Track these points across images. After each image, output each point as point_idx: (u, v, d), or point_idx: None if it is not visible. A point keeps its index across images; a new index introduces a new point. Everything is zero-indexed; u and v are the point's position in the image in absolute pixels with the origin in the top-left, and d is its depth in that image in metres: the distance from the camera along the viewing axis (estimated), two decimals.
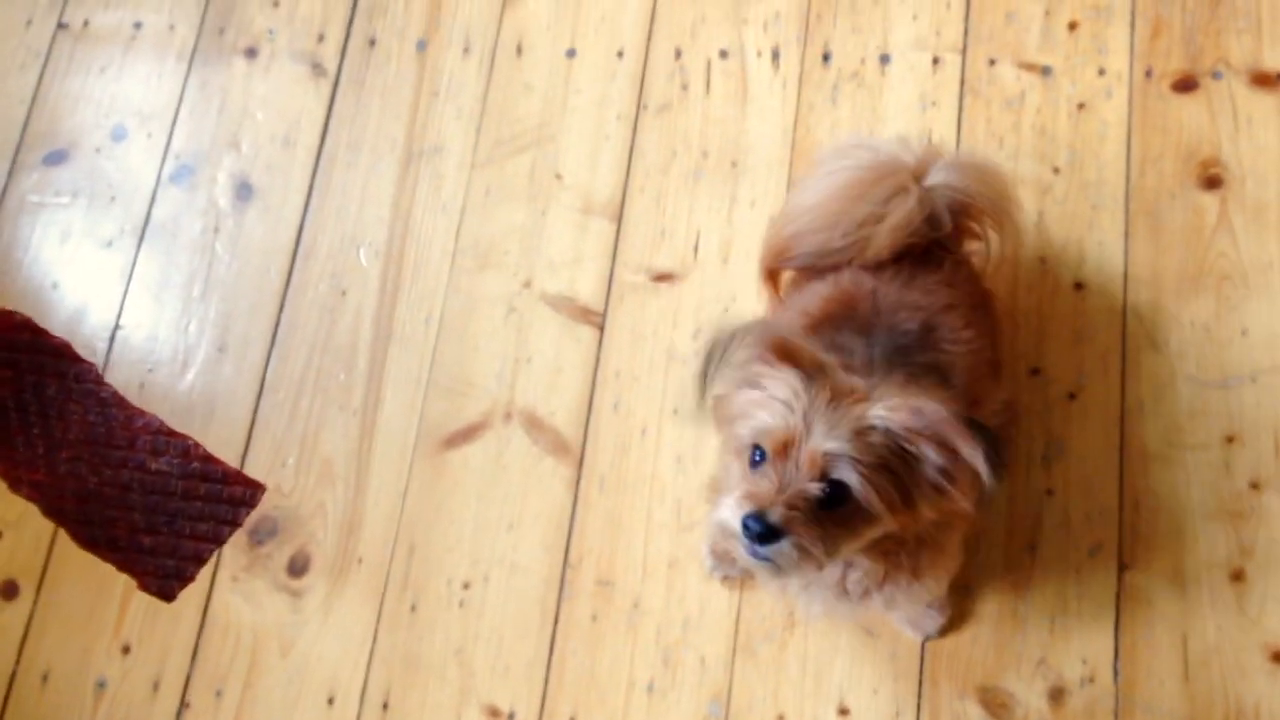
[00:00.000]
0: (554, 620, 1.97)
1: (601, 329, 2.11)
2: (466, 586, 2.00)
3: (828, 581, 1.58)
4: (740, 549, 1.42)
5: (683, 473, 2.02)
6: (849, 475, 1.38)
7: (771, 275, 1.82)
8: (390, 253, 2.19)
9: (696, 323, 2.09)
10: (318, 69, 2.32)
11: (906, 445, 1.39)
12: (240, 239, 2.23)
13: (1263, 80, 2.12)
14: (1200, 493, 1.93)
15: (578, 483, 2.03)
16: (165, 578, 2.03)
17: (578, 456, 2.04)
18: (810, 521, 1.39)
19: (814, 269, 1.73)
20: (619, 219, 2.16)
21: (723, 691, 1.91)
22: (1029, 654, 1.88)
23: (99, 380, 2.15)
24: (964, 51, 2.19)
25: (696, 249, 2.13)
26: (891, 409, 1.39)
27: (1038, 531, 1.93)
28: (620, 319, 2.11)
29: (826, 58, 2.21)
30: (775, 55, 2.23)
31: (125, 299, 2.22)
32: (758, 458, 1.42)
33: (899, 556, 1.54)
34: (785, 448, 1.40)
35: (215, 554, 2.05)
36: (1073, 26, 2.19)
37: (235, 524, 2.05)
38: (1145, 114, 2.12)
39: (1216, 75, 2.13)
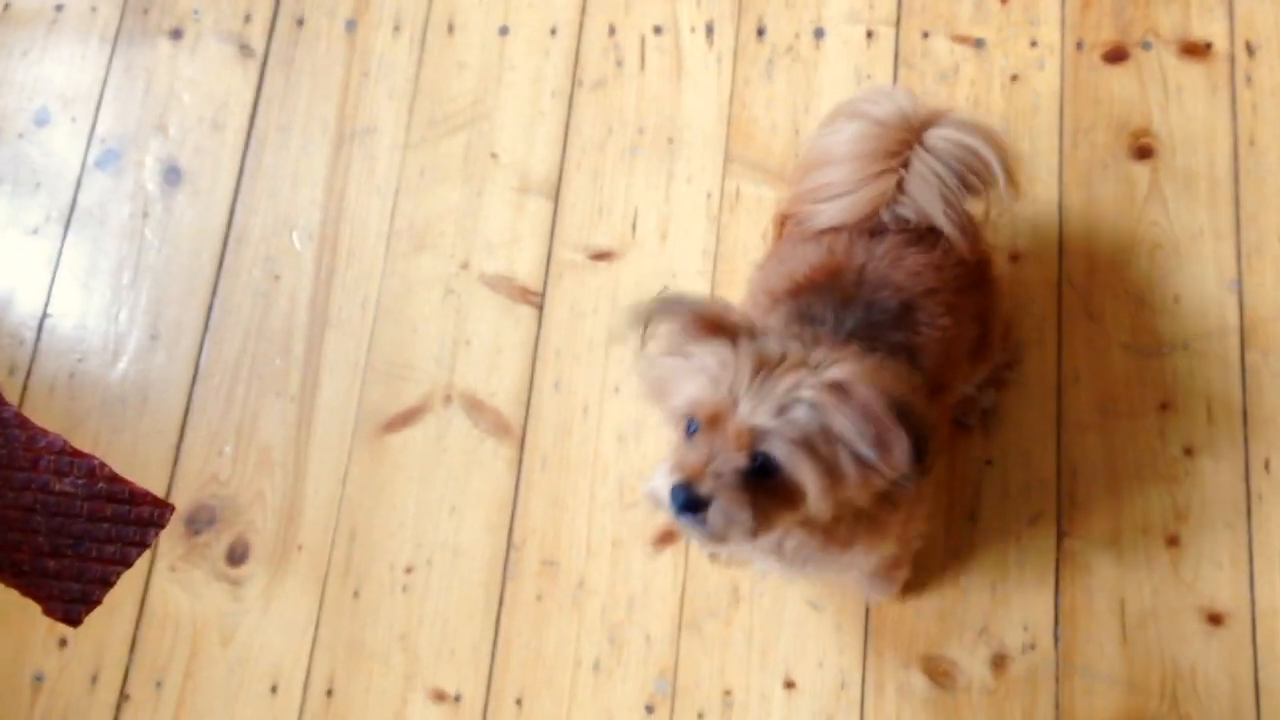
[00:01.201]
0: (499, 602, 1.97)
1: (541, 308, 2.10)
2: (409, 571, 1.99)
3: (764, 547, 1.57)
4: (671, 517, 1.43)
5: (625, 452, 2.02)
6: (776, 449, 1.38)
7: (782, 221, 1.81)
8: (324, 236, 2.17)
9: (636, 300, 2.07)
10: (245, 50, 2.29)
11: (832, 425, 1.38)
12: (170, 224, 2.20)
13: (1191, 50, 2.15)
14: (1136, 460, 1.95)
15: (520, 463, 2.03)
16: (71, 602, 1.99)
17: (519, 437, 2.04)
18: (738, 491, 1.40)
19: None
20: (556, 197, 2.15)
21: (669, 668, 1.92)
22: (971, 622, 1.90)
23: (0, 401, 2.10)
24: (898, 25, 2.19)
25: (634, 226, 2.13)
26: (819, 386, 1.38)
27: (978, 501, 1.95)
28: (559, 298, 2.10)
29: (761, 32, 2.21)
30: (709, 30, 2.22)
31: (53, 287, 2.18)
32: (692, 428, 1.43)
33: (834, 529, 1.53)
34: (715, 419, 1.40)
35: (152, 545, 2.02)
36: None
37: (144, 544, 2.01)
38: (1077, 85, 2.14)
39: (1146, 46, 2.15)
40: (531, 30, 2.25)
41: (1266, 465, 1.94)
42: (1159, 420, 1.97)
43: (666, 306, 1.45)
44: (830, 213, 1.69)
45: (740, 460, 1.39)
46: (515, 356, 2.08)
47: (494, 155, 2.19)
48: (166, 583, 2.00)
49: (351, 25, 2.28)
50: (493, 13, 2.27)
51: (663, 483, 1.42)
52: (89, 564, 2.00)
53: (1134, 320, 2.02)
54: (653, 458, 2.00)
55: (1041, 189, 2.08)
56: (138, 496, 2.03)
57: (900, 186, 1.66)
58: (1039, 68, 2.15)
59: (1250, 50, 2.14)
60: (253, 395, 2.09)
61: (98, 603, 1.99)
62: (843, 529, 1.54)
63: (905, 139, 1.66)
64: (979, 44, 2.17)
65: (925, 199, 1.66)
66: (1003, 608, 1.90)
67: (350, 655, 1.96)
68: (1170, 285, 2.03)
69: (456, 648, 1.95)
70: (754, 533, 1.42)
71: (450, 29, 2.27)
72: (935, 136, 1.67)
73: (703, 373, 1.41)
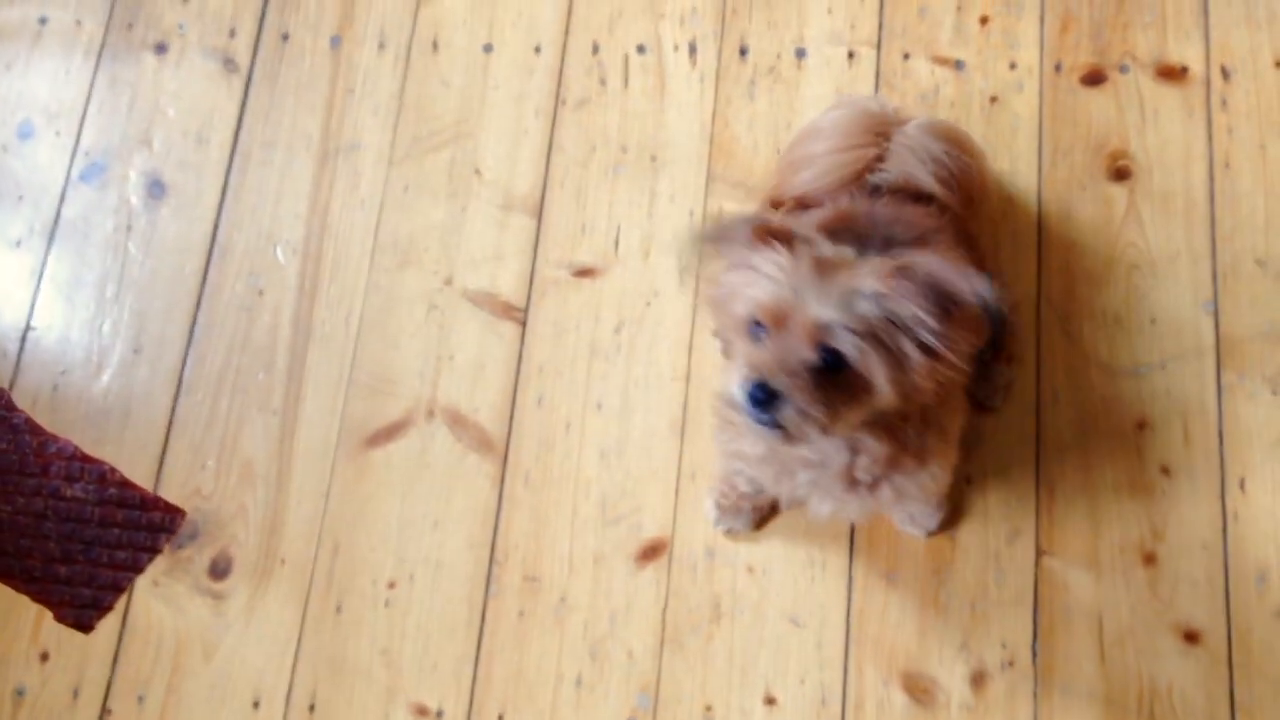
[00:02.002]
0: (481, 617, 1.97)
1: (524, 325, 2.10)
2: (392, 586, 1.99)
3: (836, 470, 1.62)
4: (746, 418, 1.47)
5: (607, 468, 2.02)
6: (843, 342, 1.42)
7: (773, 208, 1.87)
8: (308, 251, 2.17)
9: (618, 317, 2.09)
10: (230, 64, 2.29)
11: (898, 311, 1.42)
12: (154, 238, 2.19)
13: (1168, 73, 2.17)
14: (1114, 479, 1.97)
15: (502, 479, 2.03)
16: (82, 608, 1.99)
17: (502, 453, 2.04)
18: (810, 387, 1.43)
19: (809, 201, 1.79)
20: (539, 214, 2.16)
21: (651, 684, 1.92)
22: (950, 639, 1.91)
23: (10, 406, 2.09)
24: (878, 45, 2.21)
25: (617, 243, 2.14)
26: (879, 273, 1.42)
27: (957, 519, 1.96)
28: (542, 314, 2.11)
29: (743, 52, 2.23)
30: (692, 49, 2.24)
31: (36, 300, 2.17)
32: (757, 331, 1.47)
33: (904, 434, 1.58)
34: (781, 319, 1.44)
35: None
36: (984, 21, 2.22)
37: (155, 550, 2.01)
38: (1055, 107, 2.16)
39: (1123, 69, 2.17)
40: (515, 48, 2.26)
41: (1242, 485, 1.95)
42: (1136, 440, 1.99)
43: (726, 225, 1.50)
44: (815, 172, 1.77)
45: (809, 356, 1.43)
46: (498, 372, 2.08)
47: (478, 172, 2.19)
48: (149, 597, 2.00)
49: (336, 41, 2.29)
50: (477, 31, 2.27)
51: (736, 384, 1.46)
52: (100, 569, 2.00)
53: (1111, 340, 2.03)
54: (636, 474, 2.01)
55: (1020, 209, 2.10)
56: (149, 502, 2.03)
57: (881, 158, 1.76)
58: (1018, 89, 2.17)
59: (1225, 74, 2.16)
60: (236, 409, 2.09)
61: (110, 608, 1.99)
62: (911, 434, 1.59)
63: (887, 126, 1.79)
64: (959, 65, 2.19)
65: (908, 164, 1.75)
66: (982, 625, 1.91)
67: (332, 670, 1.96)
68: (1147, 306, 2.05)
69: (439, 663, 1.95)
70: (826, 427, 1.46)
71: (435, 46, 2.27)
72: (913, 125, 1.79)
73: (765, 278, 1.45)
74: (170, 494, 2.05)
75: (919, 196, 1.77)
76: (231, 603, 1.99)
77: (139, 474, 2.06)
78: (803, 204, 1.82)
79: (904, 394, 1.48)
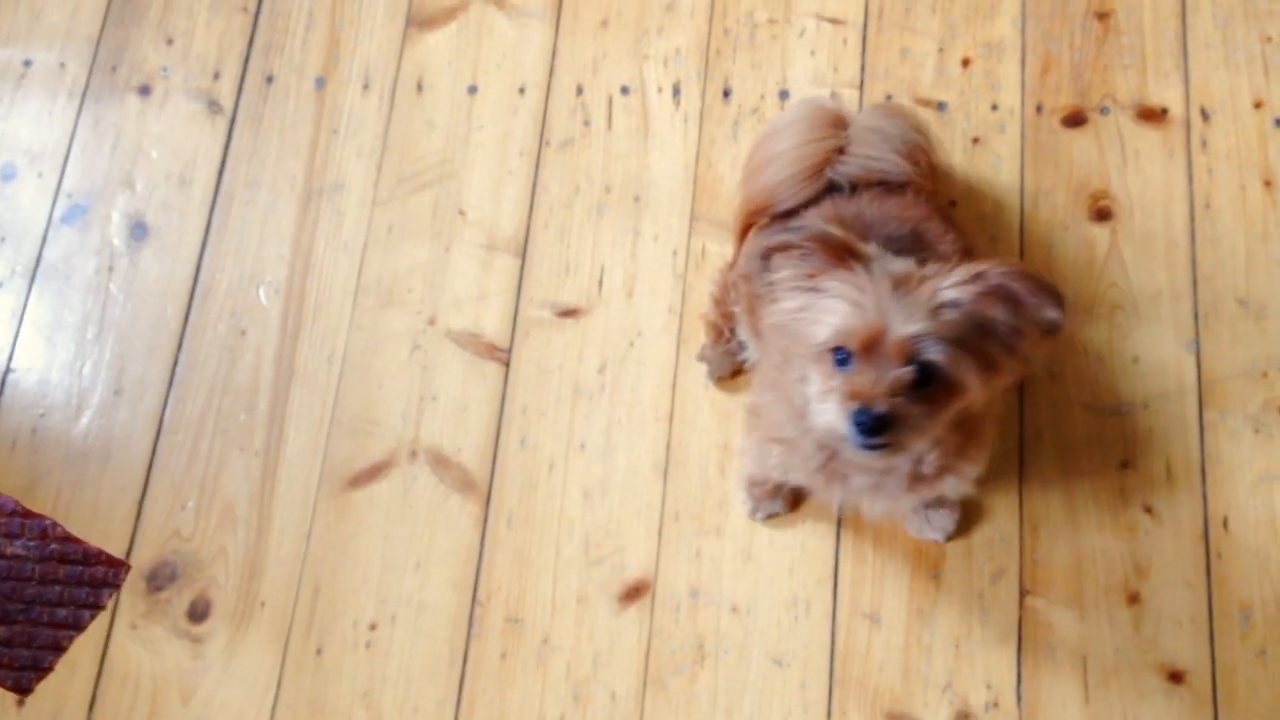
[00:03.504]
0: (463, 659, 1.95)
1: (507, 365, 2.10)
2: (373, 628, 1.97)
3: (903, 472, 1.64)
4: (852, 446, 1.49)
5: (590, 508, 2.01)
6: (937, 354, 1.45)
7: (745, 228, 1.89)
8: (291, 291, 2.16)
9: (602, 357, 2.09)
10: (214, 106, 2.29)
11: (979, 314, 1.46)
12: (136, 279, 2.19)
13: (1148, 115, 2.19)
14: (1097, 518, 1.97)
15: (485, 520, 2.02)
16: (21, 670, 1.95)
17: (485, 493, 2.03)
18: (913, 404, 1.47)
19: (785, 213, 1.81)
20: (523, 255, 2.16)
21: None
22: (935, 680, 1.90)
23: None
24: (861, 87, 2.22)
25: (601, 284, 2.14)
26: (958, 281, 1.45)
27: (941, 558, 1.96)
28: (526, 355, 2.10)
29: (727, 93, 2.24)
30: (676, 91, 2.25)
31: (16, 341, 2.16)
32: (840, 357, 1.48)
33: (971, 424, 1.62)
34: (870, 342, 1.46)
35: (112, 602, 2.00)
36: (966, 63, 2.23)
37: (97, 606, 1.98)
38: (1037, 148, 2.17)
39: (1104, 110, 2.19)
40: (500, 90, 2.27)
41: (1225, 523, 1.95)
42: (1119, 479, 1.99)
43: (799, 233, 1.51)
44: (778, 168, 1.79)
45: (906, 373, 1.45)
46: (481, 413, 2.08)
47: (462, 212, 2.19)
48: (127, 640, 1.98)
49: (321, 83, 2.29)
50: (461, 72, 2.28)
51: (838, 415, 1.47)
52: (40, 629, 1.97)
53: (1094, 380, 2.04)
54: (619, 514, 2.01)
55: (1004, 250, 2.10)
56: (91, 556, 2.01)
57: (842, 149, 1.79)
58: (1000, 130, 2.19)
59: (1205, 115, 2.18)
60: (217, 450, 2.08)
61: (49, 669, 1.96)
62: (975, 423, 1.63)
63: (842, 119, 1.83)
64: (941, 107, 2.20)
65: (871, 145, 1.79)
66: (966, 665, 1.90)
67: (312, 713, 1.94)
68: (1130, 345, 2.05)
69: (420, 705, 1.93)
70: (929, 437, 1.51)
71: (419, 88, 2.28)
72: (866, 111, 1.86)
73: (844, 300, 1.47)
74: (149, 536, 2.03)
75: (889, 186, 1.80)
76: (210, 645, 1.97)
77: (118, 516, 2.05)
78: (776, 216, 1.83)
79: (989, 390, 1.52)
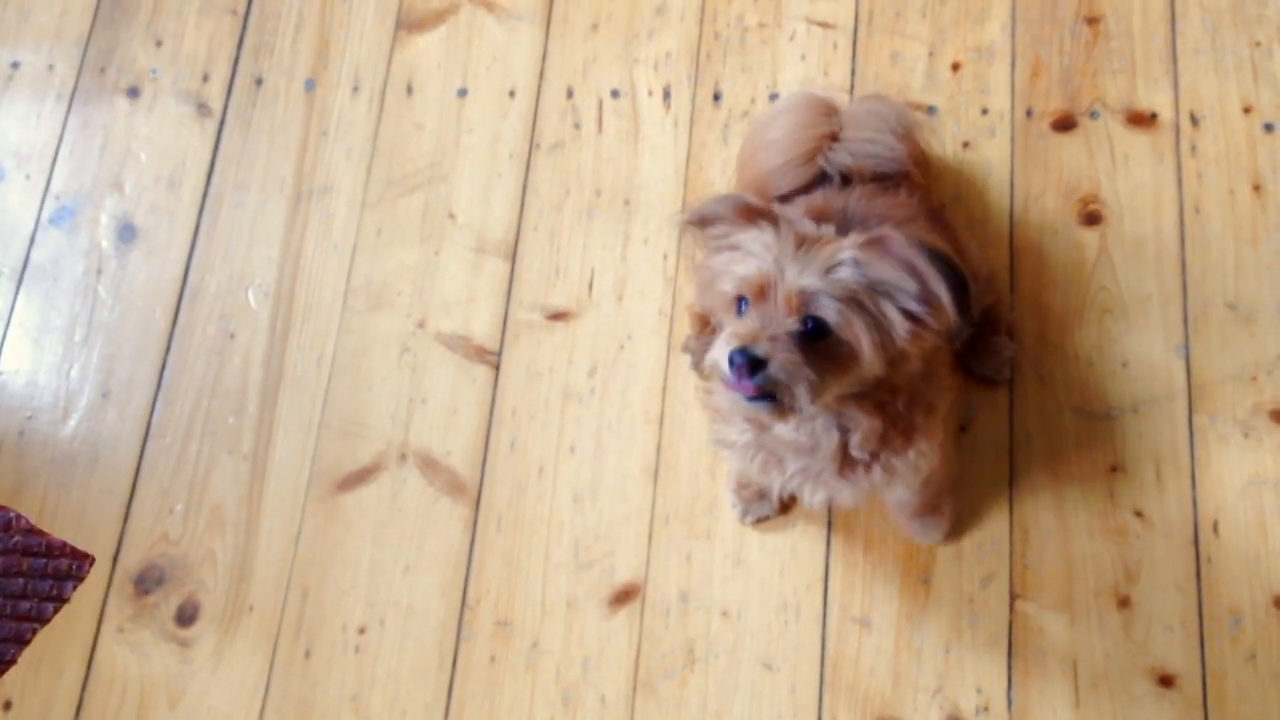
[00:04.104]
0: (452, 663, 1.95)
1: (497, 368, 2.10)
2: (362, 631, 1.97)
3: (828, 452, 1.63)
4: (735, 395, 1.49)
5: (580, 511, 2.01)
6: (825, 309, 1.46)
7: None
8: (280, 293, 2.16)
9: (592, 360, 2.09)
10: (203, 108, 2.28)
11: (877, 276, 1.46)
12: (124, 281, 2.18)
13: (1137, 119, 2.19)
14: (1087, 522, 1.97)
15: (475, 523, 2.01)
16: None
17: (474, 496, 2.03)
18: (794, 352, 1.46)
19: (779, 200, 1.82)
20: (513, 258, 2.16)
21: None
22: (925, 684, 1.90)
23: None
24: (851, 91, 2.22)
25: (591, 287, 2.14)
26: (858, 245, 1.47)
27: (932, 563, 1.96)
28: (515, 358, 2.10)
29: (717, 97, 2.24)
30: (666, 94, 2.25)
31: (3, 344, 2.15)
32: (743, 307, 1.51)
33: (893, 409, 1.60)
34: (763, 291, 1.48)
35: (100, 608, 1.99)
36: (956, 67, 2.24)
37: (61, 599, 1.97)
38: (1027, 152, 2.17)
39: (1094, 115, 2.19)
40: (490, 92, 2.27)
41: (1215, 527, 1.95)
42: (1109, 482, 1.99)
43: (710, 205, 1.56)
44: (773, 154, 1.82)
45: (792, 323, 1.46)
46: (471, 416, 2.07)
47: (451, 215, 2.19)
48: (114, 643, 1.97)
49: (310, 85, 2.29)
50: (451, 74, 2.28)
51: (720, 352, 1.48)
52: (2, 621, 1.96)
53: (1084, 384, 2.04)
54: (609, 518, 2.00)
55: (994, 254, 2.10)
56: (55, 549, 2.00)
57: (835, 136, 1.82)
58: (990, 135, 2.19)
59: (1194, 120, 2.18)
60: (205, 453, 2.07)
61: (12, 663, 1.95)
62: (899, 410, 1.61)
63: (834, 107, 1.86)
64: (931, 111, 2.20)
65: (864, 128, 1.82)
66: (956, 670, 1.90)
67: (301, 717, 1.93)
68: (1119, 349, 2.06)
69: (409, 709, 1.93)
70: (814, 392, 1.48)
71: (409, 90, 2.28)
72: (858, 99, 1.89)
73: (750, 255, 1.50)
74: (137, 539, 2.03)
75: (883, 184, 1.81)
76: (198, 649, 1.97)
77: (105, 519, 2.04)
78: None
79: (889, 360, 1.51)
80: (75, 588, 1.98)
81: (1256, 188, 2.13)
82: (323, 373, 2.11)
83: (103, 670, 1.96)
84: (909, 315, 1.47)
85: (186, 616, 1.98)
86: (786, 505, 1.98)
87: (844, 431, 1.61)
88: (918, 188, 1.85)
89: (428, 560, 2.00)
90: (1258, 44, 2.22)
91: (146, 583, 2.00)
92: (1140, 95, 2.20)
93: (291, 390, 2.10)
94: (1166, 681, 1.89)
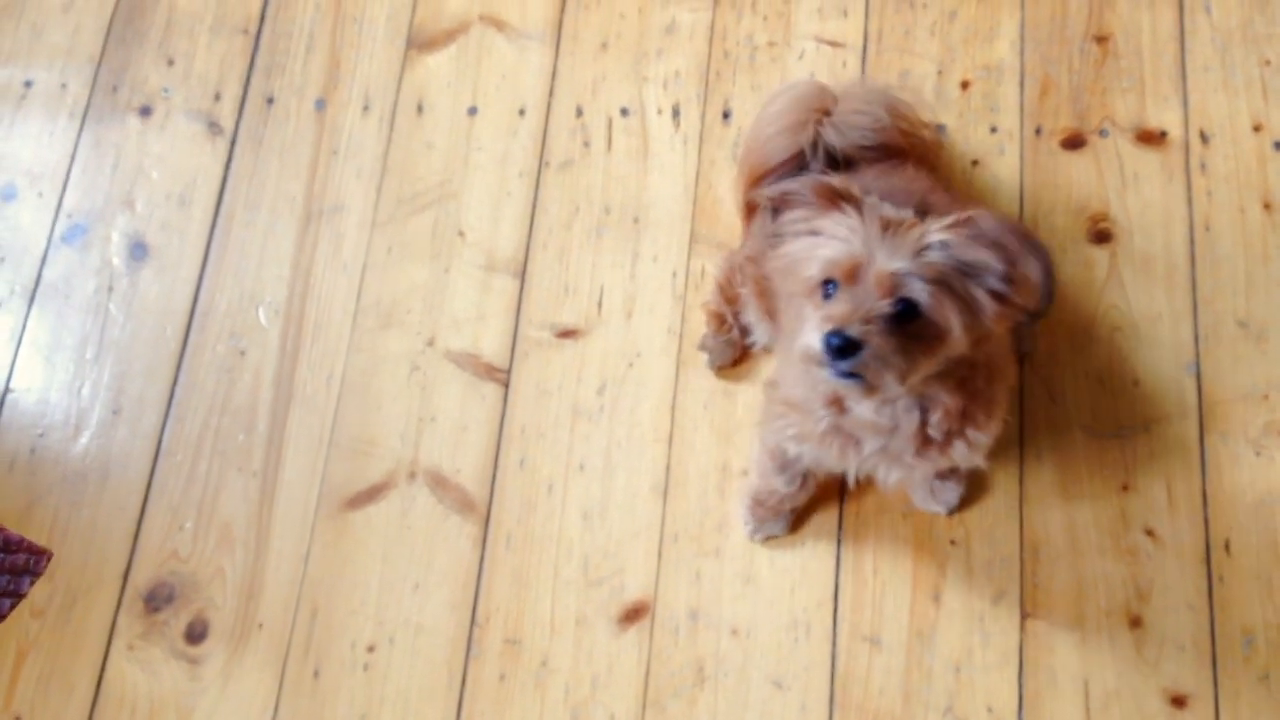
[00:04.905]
0: (461, 681, 1.94)
1: (506, 386, 2.10)
2: (371, 649, 1.96)
3: (909, 433, 1.65)
4: (826, 372, 1.51)
5: (589, 529, 2.01)
6: (917, 290, 1.47)
7: (749, 205, 1.94)
8: (290, 312, 2.16)
9: (601, 378, 2.09)
10: (214, 127, 2.29)
11: (966, 257, 1.48)
12: (135, 299, 2.18)
13: (1147, 137, 2.19)
14: (1098, 541, 1.96)
15: (484, 541, 2.01)
16: None
17: (484, 514, 2.02)
18: (886, 335, 1.48)
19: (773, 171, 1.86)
20: (522, 276, 2.16)
21: None
22: (935, 703, 1.89)
23: None
24: None
25: (600, 305, 2.13)
26: (947, 226, 1.48)
27: (942, 581, 1.95)
28: (525, 376, 2.10)
29: (727, 115, 2.24)
30: (676, 113, 2.25)
31: (15, 361, 2.16)
32: (830, 290, 1.52)
33: (974, 385, 1.63)
34: (853, 274, 1.49)
35: (110, 626, 1.99)
36: (965, 86, 2.24)
37: (18, 594, 1.96)
38: (1036, 170, 2.17)
39: (1103, 133, 2.19)
40: (499, 111, 2.27)
41: (1227, 546, 1.94)
42: (1120, 501, 1.98)
43: (796, 182, 1.59)
44: (766, 127, 1.87)
45: (884, 306, 1.48)
46: (480, 434, 2.07)
47: (461, 234, 2.19)
48: (124, 661, 1.97)
49: (321, 104, 2.30)
50: (461, 94, 2.29)
51: (814, 336, 1.49)
52: None
53: (1094, 402, 2.03)
54: (618, 535, 2.00)
55: None
56: (12, 544, 1.99)
57: (829, 112, 1.84)
58: (999, 153, 2.19)
59: (1204, 138, 2.18)
60: (215, 471, 2.07)
61: None
62: (980, 384, 1.64)
63: (830, 91, 1.89)
64: (940, 129, 2.20)
65: (861, 102, 1.85)
66: (967, 689, 1.89)
67: None
68: (1129, 368, 2.05)
69: None
70: (903, 374, 1.51)
71: (419, 109, 2.28)
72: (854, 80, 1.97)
73: (834, 238, 1.51)
74: (147, 557, 2.03)
75: (891, 161, 1.84)
76: (207, 667, 1.96)
77: (116, 536, 2.04)
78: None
79: (975, 340, 1.53)
80: (33, 584, 1.97)
81: (1267, 205, 2.13)
82: (332, 391, 2.11)
83: (112, 688, 1.96)
84: (995, 295, 1.50)
85: (196, 634, 1.98)
86: (796, 524, 1.98)
87: (924, 411, 1.64)
88: (925, 163, 1.87)
89: (437, 578, 1.99)
90: (1268, 62, 2.22)
91: (156, 600, 2.00)
92: (1150, 113, 2.20)
93: (301, 408, 2.10)
94: (1179, 702, 1.88)
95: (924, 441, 1.66)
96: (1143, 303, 2.09)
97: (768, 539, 1.98)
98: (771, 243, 1.63)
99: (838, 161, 1.83)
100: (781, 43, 2.28)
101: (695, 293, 2.12)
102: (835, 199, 1.54)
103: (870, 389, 1.53)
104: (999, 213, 1.55)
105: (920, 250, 1.48)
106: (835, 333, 1.47)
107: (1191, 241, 2.12)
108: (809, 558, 1.97)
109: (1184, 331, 2.07)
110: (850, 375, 1.50)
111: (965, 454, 1.70)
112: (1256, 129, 2.18)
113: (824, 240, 1.52)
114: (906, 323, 1.49)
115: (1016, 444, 2.01)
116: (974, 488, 1.98)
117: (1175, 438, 2.01)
